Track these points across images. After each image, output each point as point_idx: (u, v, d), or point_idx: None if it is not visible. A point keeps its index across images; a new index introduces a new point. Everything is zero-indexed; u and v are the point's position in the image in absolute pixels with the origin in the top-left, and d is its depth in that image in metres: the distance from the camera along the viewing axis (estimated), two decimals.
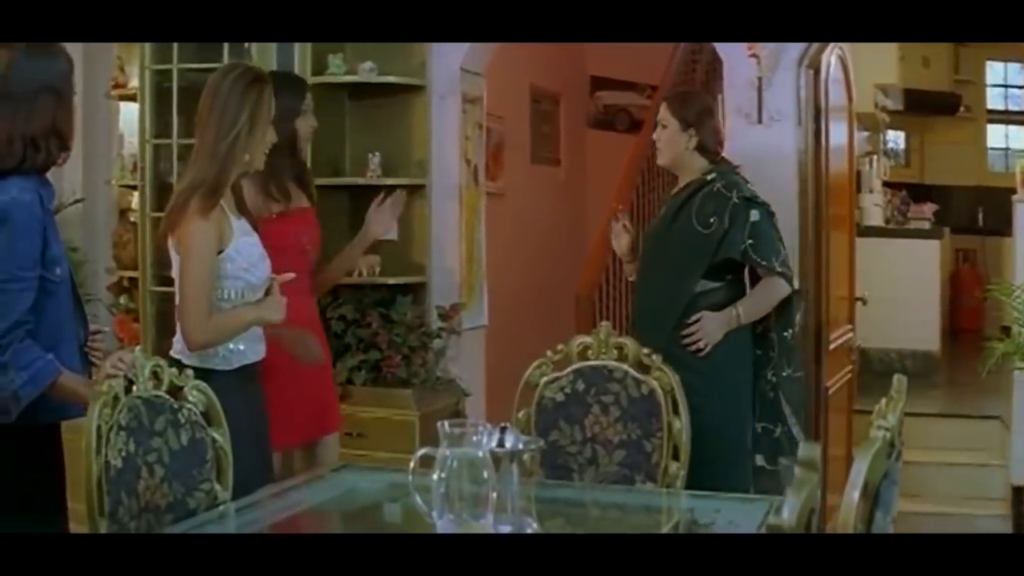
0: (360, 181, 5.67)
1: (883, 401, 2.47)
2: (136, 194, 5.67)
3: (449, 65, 5.72)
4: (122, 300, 5.74)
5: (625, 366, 3.74)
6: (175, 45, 5.30)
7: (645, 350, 3.74)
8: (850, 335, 5.89)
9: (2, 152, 3.26)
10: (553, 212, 8.90)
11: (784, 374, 4.33)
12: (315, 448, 4.38)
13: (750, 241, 4.24)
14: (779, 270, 4.27)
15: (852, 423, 5.79)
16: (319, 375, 4.39)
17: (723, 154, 4.47)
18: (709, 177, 4.38)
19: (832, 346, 5.42)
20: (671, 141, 4.42)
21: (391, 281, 5.68)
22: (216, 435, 3.29)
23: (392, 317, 5.61)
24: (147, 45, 5.33)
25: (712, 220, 4.28)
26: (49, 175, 3.43)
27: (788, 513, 1.92)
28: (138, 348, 3.20)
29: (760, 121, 5.11)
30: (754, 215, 4.27)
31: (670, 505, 3.57)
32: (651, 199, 7.08)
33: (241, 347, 3.63)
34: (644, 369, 3.72)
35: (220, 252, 3.55)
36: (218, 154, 3.54)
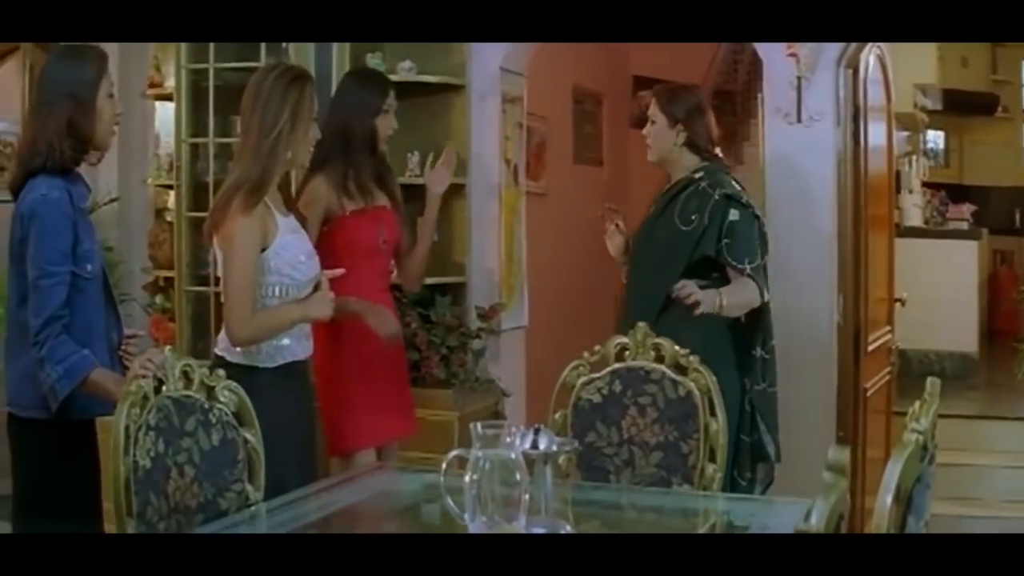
0: (399, 180, 5.63)
1: (916, 404, 2.41)
2: (172, 194, 5.69)
3: (489, 65, 5.68)
4: (157, 300, 5.75)
5: (662, 367, 3.68)
6: (211, 45, 5.30)
7: (682, 351, 3.68)
8: (889, 336, 5.82)
9: (30, 152, 3.41)
10: (595, 212, 8.82)
11: (758, 388, 4.26)
12: (382, 452, 4.36)
13: (726, 240, 4.18)
14: (748, 272, 4.18)
15: (891, 425, 5.71)
16: (394, 373, 4.38)
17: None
18: (697, 175, 4.34)
19: (871, 348, 5.35)
20: (659, 137, 4.39)
21: (430, 281, 5.62)
22: (248, 435, 3.27)
23: (431, 317, 5.58)
24: (183, 45, 5.34)
25: (693, 218, 4.24)
26: (85, 175, 3.48)
27: (816, 519, 1.87)
28: (168, 348, 3.18)
29: (799, 121, 5.04)
30: (733, 214, 4.21)
31: (707, 508, 3.51)
32: None
33: (285, 342, 3.64)
34: (681, 370, 3.66)
35: (264, 249, 3.57)
36: (261, 153, 3.57)
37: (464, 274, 5.76)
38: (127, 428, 2.94)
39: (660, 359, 3.69)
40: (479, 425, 2.71)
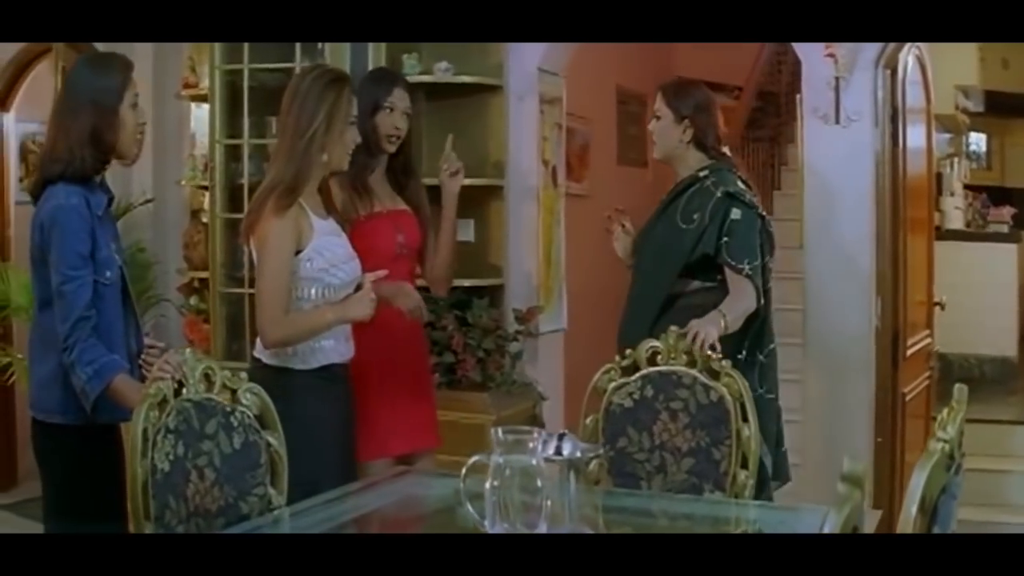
0: (433, 181, 5.59)
1: (944, 412, 2.34)
2: (207, 195, 5.67)
3: (526, 65, 5.63)
4: (192, 301, 5.74)
5: (694, 372, 3.61)
6: (245, 45, 5.28)
7: (715, 355, 3.60)
8: (928, 340, 5.72)
9: (51, 158, 3.41)
10: (640, 214, 8.74)
11: (755, 394, 4.03)
12: (412, 464, 4.22)
13: (725, 239, 4.08)
14: (747, 272, 4.06)
15: (930, 430, 5.56)
16: (415, 388, 4.27)
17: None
18: (702, 174, 4.23)
19: (910, 352, 5.26)
20: (664, 133, 4.28)
21: (467, 283, 5.60)
22: (271, 439, 3.22)
23: (468, 320, 5.54)
24: (217, 45, 5.32)
25: (695, 216, 4.14)
26: (120, 176, 3.47)
27: (829, 530, 1.80)
28: (188, 350, 3.14)
29: (837, 122, 4.95)
30: (735, 212, 4.11)
31: (738, 515, 3.43)
32: None
33: (322, 344, 3.62)
34: (714, 375, 3.59)
35: (299, 252, 3.55)
36: (295, 153, 3.57)
37: (501, 276, 5.71)
38: (145, 431, 2.91)
39: (692, 363, 3.62)
40: (500, 430, 2.66)
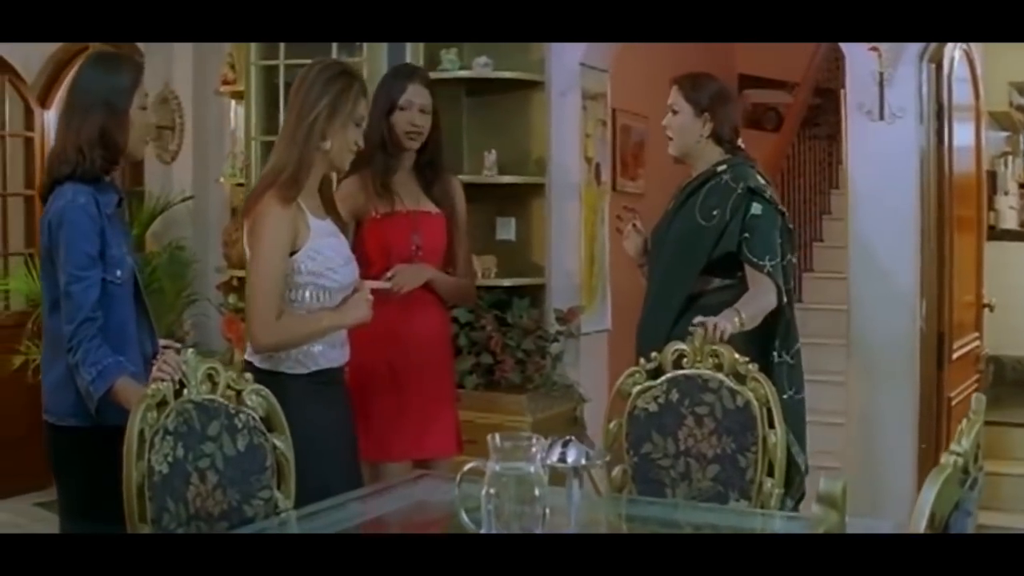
0: (474, 179, 5.52)
1: (963, 423, 2.20)
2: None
3: (568, 61, 5.54)
4: (231, 299, 5.68)
5: (720, 375, 3.47)
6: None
7: (741, 359, 3.47)
8: (977, 343, 5.55)
9: (60, 159, 3.36)
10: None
11: (784, 396, 3.93)
12: (432, 468, 4.08)
13: (745, 235, 3.93)
14: (767, 270, 3.90)
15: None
16: (429, 390, 4.13)
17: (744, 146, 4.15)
18: (720, 168, 4.07)
19: (956, 354, 5.10)
20: (684, 128, 4.11)
21: (507, 283, 5.52)
22: (277, 442, 3.14)
23: (507, 320, 5.44)
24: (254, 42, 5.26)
25: (715, 212, 3.98)
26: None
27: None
28: (190, 350, 3.06)
29: (882, 118, 4.78)
30: (755, 208, 3.95)
31: (764, 527, 3.29)
32: (791, 201, 6.80)
33: (316, 349, 3.50)
34: (740, 379, 3.45)
35: (294, 252, 3.43)
36: (296, 140, 3.47)
37: (543, 276, 5.61)
38: (141, 432, 2.85)
39: (719, 367, 3.49)
40: (497, 436, 2.55)
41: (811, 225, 7.50)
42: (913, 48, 4.78)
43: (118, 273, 3.35)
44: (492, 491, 2.54)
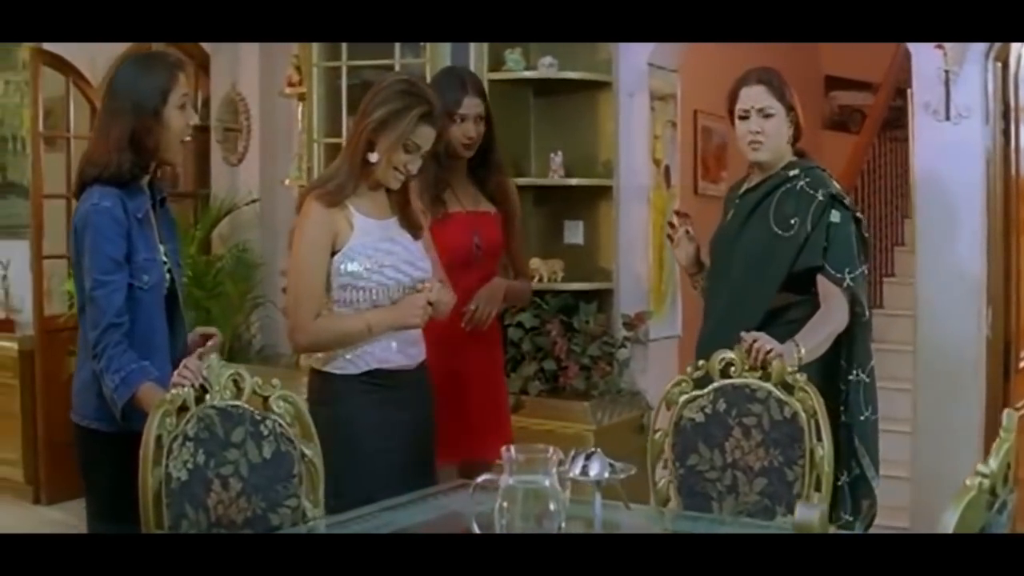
0: (541, 181, 5.44)
1: (997, 441, 2.06)
2: None
3: (637, 61, 5.41)
4: None
5: (768, 385, 3.33)
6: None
7: (789, 368, 3.32)
8: None
9: (90, 161, 3.32)
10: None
11: (861, 417, 3.74)
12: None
13: (824, 244, 3.69)
14: (847, 284, 3.65)
15: None
16: (479, 391, 4.08)
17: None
18: (792, 173, 3.80)
19: None
20: (779, 132, 3.79)
21: (574, 287, 5.41)
22: (305, 449, 3.08)
23: (574, 325, 5.34)
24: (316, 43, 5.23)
25: (793, 222, 3.72)
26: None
27: None
28: (213, 355, 3.00)
29: (947, 118, 4.58)
30: (834, 216, 3.70)
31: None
32: (870, 204, 6.60)
33: (363, 349, 3.47)
34: (789, 389, 3.31)
35: (335, 253, 3.42)
36: (348, 147, 3.51)
37: (611, 280, 5.49)
38: (159, 438, 2.82)
39: (767, 376, 3.35)
40: (512, 449, 2.46)
41: (892, 229, 7.28)
42: (979, 46, 4.58)
43: (145, 278, 3.29)
44: (505, 505, 2.46)
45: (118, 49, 6.81)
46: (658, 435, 3.46)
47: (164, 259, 3.39)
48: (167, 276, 3.39)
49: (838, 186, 3.83)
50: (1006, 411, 2.14)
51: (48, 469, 6.66)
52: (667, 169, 5.61)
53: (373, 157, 3.43)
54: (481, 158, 4.09)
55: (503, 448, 2.48)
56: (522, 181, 5.46)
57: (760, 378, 3.35)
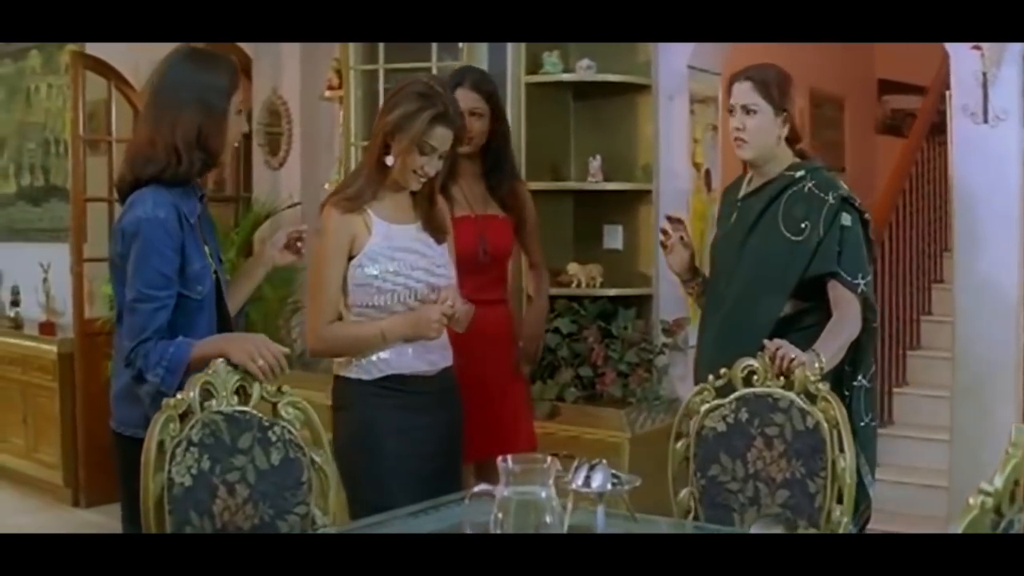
0: (579, 186, 5.38)
1: (1004, 457, 1.97)
2: None
3: (676, 63, 5.32)
4: None
5: (791, 394, 3.24)
6: (381, 45, 5.17)
7: (812, 376, 3.23)
8: None
9: (145, 157, 3.15)
10: None
11: (861, 423, 3.63)
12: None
13: (837, 249, 3.58)
14: (861, 289, 3.55)
15: None
16: (497, 390, 4.11)
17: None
18: (798, 174, 3.69)
19: None
20: (763, 130, 3.69)
21: (613, 292, 5.34)
22: (315, 456, 3.04)
23: (612, 331, 5.26)
24: (352, 45, 5.25)
25: (804, 226, 3.61)
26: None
27: None
28: (220, 361, 2.95)
29: (985, 121, 4.45)
30: (845, 219, 3.59)
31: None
32: (918, 209, 6.45)
33: (379, 355, 3.46)
34: (811, 398, 3.22)
35: (352, 257, 3.42)
36: (368, 151, 3.53)
37: (650, 285, 5.40)
38: (161, 443, 2.80)
39: (790, 385, 3.27)
40: (509, 459, 2.41)
41: (940, 234, 7.13)
42: (1016, 47, 4.44)
43: (199, 288, 3.16)
44: (500, 516, 2.41)
45: (160, 52, 6.84)
46: (679, 444, 3.39)
47: (209, 260, 3.27)
48: (213, 277, 3.27)
49: (846, 187, 3.72)
50: (1014, 426, 2.03)
51: (87, 472, 6.71)
52: (708, 173, 5.52)
53: (389, 160, 3.42)
54: (494, 162, 4.07)
55: (499, 459, 2.43)
56: (561, 185, 5.43)
57: (783, 387, 3.27)
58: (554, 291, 5.33)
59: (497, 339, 4.12)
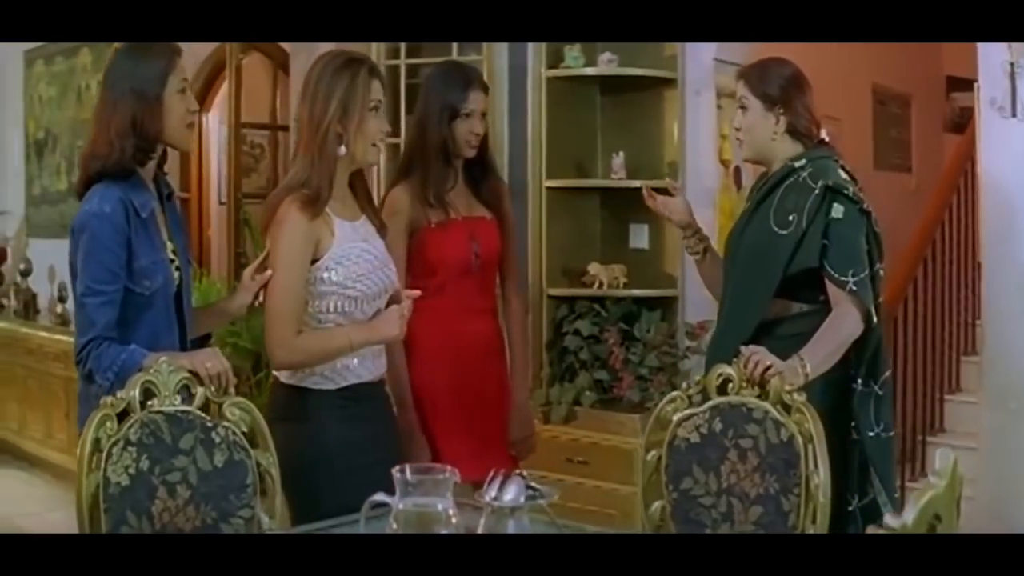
0: (604, 183, 5.26)
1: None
2: None
3: (703, 57, 5.17)
4: None
5: (766, 404, 3.07)
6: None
7: (788, 386, 3.07)
8: None
9: (91, 155, 3.20)
10: (900, 225, 8.06)
11: (871, 433, 3.40)
12: None
13: (824, 242, 3.37)
14: (851, 287, 3.32)
15: None
16: (488, 411, 3.95)
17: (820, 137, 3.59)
18: (797, 164, 3.49)
19: None
20: (755, 127, 3.55)
21: (637, 294, 5.21)
22: (260, 458, 2.96)
23: (634, 334, 5.13)
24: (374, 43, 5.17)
25: (791, 218, 3.42)
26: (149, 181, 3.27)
27: None
28: (163, 358, 2.90)
29: (1014, 115, 4.24)
30: (836, 210, 3.37)
31: None
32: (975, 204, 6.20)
33: (347, 363, 3.31)
34: (787, 409, 3.06)
35: (316, 261, 3.25)
36: (312, 150, 3.26)
37: (676, 287, 5.25)
38: (97, 442, 2.75)
39: (765, 394, 3.11)
40: (407, 468, 2.31)
41: None
42: None
43: (147, 283, 3.14)
44: (395, 527, 2.33)
45: (206, 52, 6.84)
46: (650, 455, 3.25)
47: (172, 256, 3.25)
48: (175, 275, 3.25)
49: (844, 175, 3.49)
50: (939, 451, 1.88)
51: None
52: (737, 170, 5.36)
53: (342, 151, 3.26)
54: (476, 160, 3.94)
55: (394, 469, 2.34)
56: (586, 182, 5.31)
57: (758, 396, 3.12)
58: (576, 292, 5.23)
59: (491, 354, 3.97)
